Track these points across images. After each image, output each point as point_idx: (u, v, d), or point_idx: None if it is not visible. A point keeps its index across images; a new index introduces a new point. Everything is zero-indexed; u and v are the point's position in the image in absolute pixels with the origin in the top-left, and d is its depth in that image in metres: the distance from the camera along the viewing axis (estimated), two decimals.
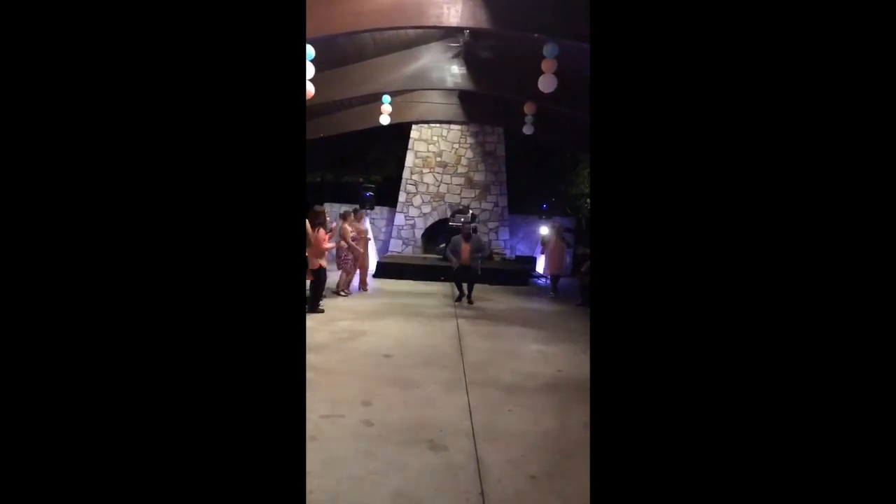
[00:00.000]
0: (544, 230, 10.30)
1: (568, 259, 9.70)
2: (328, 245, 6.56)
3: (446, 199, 11.59)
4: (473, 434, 3.13)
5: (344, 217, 7.88)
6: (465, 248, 7.74)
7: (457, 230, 10.48)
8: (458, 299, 7.78)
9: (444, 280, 9.06)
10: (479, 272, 7.87)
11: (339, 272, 7.75)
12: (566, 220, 11.57)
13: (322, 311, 6.33)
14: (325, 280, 6.51)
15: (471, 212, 11.05)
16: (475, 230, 8.40)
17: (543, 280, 9.58)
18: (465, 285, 7.82)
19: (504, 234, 11.59)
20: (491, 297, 8.23)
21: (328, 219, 7.12)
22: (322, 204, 7.41)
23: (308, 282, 6.25)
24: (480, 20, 5.08)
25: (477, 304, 7.57)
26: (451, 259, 7.91)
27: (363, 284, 8.31)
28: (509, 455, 2.89)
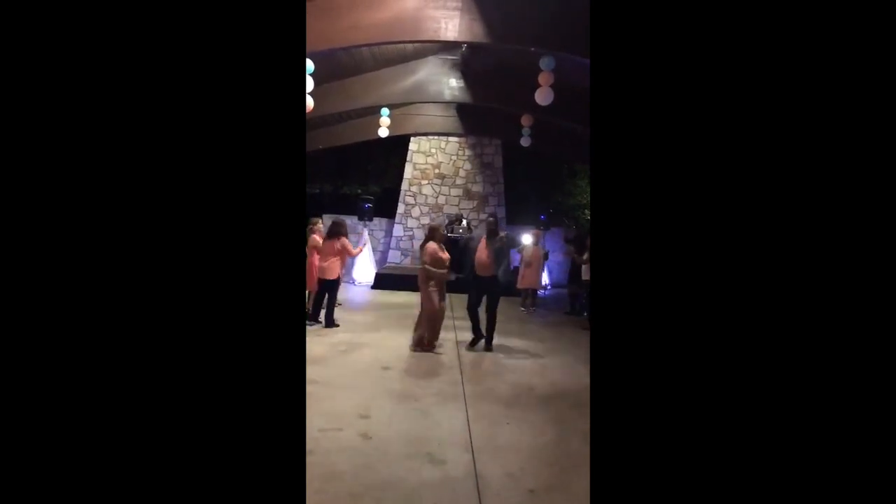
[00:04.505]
0: (526, 238, 8.54)
1: (546, 274, 9.01)
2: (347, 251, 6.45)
3: (445, 211, 11.63)
4: (472, 447, 3.12)
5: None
6: (484, 251, 5.53)
7: (454, 241, 9.96)
8: (474, 343, 5.61)
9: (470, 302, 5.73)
10: (501, 281, 5.56)
11: None
12: (563, 230, 11.59)
13: (338, 326, 6.28)
14: (336, 290, 6.44)
15: (464, 221, 10.98)
16: (496, 225, 5.87)
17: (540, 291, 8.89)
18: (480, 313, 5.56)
19: None
20: None
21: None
22: (321, 215, 7.39)
23: (311, 293, 6.25)
24: (477, 34, 5.13)
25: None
26: (462, 265, 5.70)
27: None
28: (508, 468, 2.88)
